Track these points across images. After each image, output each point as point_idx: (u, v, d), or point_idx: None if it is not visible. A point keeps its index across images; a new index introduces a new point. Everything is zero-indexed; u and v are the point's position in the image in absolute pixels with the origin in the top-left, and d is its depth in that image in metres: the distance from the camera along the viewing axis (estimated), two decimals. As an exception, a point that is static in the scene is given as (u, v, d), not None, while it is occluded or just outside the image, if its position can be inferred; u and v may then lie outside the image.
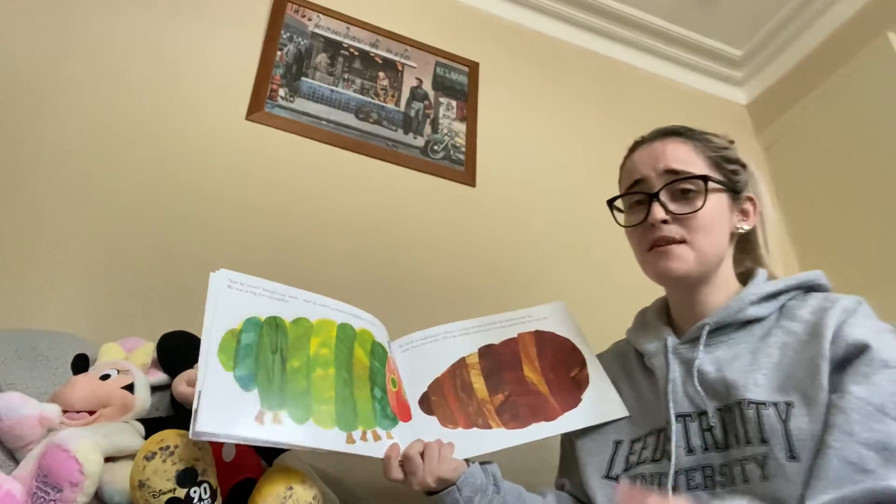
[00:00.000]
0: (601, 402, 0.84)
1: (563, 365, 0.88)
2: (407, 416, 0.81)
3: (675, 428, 0.73)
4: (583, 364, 0.88)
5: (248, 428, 0.66)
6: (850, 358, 0.67)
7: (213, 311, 0.72)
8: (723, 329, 0.78)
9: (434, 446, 0.74)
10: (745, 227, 0.83)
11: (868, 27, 1.92)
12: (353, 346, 0.80)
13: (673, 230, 0.80)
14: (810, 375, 0.67)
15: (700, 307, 0.81)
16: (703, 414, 0.73)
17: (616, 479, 0.78)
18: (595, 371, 0.88)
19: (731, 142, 0.87)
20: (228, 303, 0.74)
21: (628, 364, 0.89)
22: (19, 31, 1.41)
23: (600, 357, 0.94)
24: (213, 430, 0.63)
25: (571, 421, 0.82)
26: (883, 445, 0.60)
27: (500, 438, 0.80)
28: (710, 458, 0.70)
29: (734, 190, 0.83)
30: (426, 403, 0.84)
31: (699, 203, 0.79)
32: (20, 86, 1.36)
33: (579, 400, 0.84)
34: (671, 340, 0.81)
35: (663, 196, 0.80)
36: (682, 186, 0.80)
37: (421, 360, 0.89)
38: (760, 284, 0.79)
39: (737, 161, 0.84)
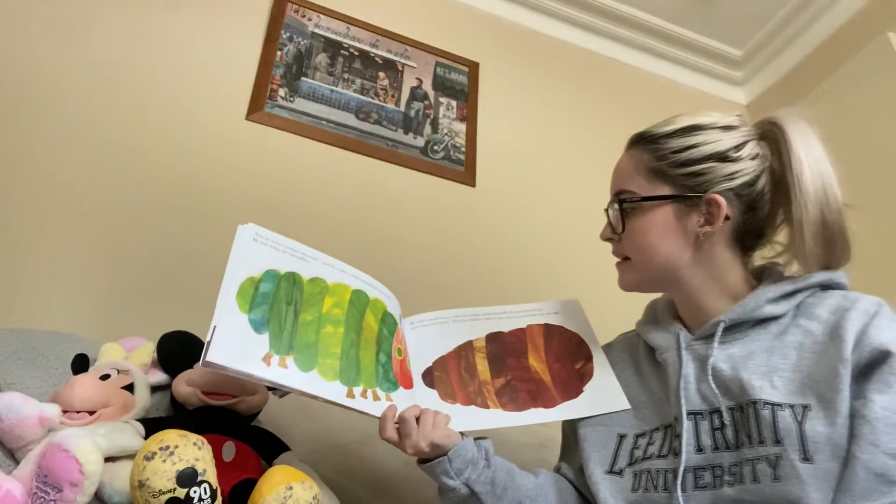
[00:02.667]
0: (602, 394, 0.85)
1: (568, 357, 0.90)
2: (409, 385, 0.83)
3: (687, 425, 0.73)
4: (588, 358, 0.89)
5: (255, 366, 0.69)
6: (873, 365, 0.66)
7: (236, 258, 0.75)
8: (738, 326, 0.76)
9: (430, 412, 0.75)
10: (709, 229, 0.78)
11: (868, 27, 1.92)
12: (365, 312, 0.83)
13: (617, 247, 0.85)
14: (829, 379, 0.66)
15: (698, 306, 0.81)
16: (714, 412, 0.72)
17: (620, 473, 0.77)
18: (600, 365, 0.88)
19: (726, 127, 0.80)
20: (252, 253, 0.77)
21: (637, 356, 0.88)
22: (21, 32, 1.41)
23: (608, 347, 0.94)
24: (222, 362, 0.66)
25: (569, 410, 0.84)
26: None
27: (496, 418, 0.82)
28: (720, 458, 0.70)
29: (688, 195, 0.78)
30: (429, 377, 0.86)
31: (626, 224, 0.81)
32: (20, 85, 1.36)
33: (580, 391, 0.85)
34: (684, 336, 0.80)
35: (613, 215, 0.83)
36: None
37: (429, 338, 0.91)
38: (778, 282, 0.77)
39: (703, 159, 0.78)
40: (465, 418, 0.81)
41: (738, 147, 0.79)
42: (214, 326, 0.68)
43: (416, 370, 0.87)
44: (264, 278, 0.76)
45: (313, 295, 0.80)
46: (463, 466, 0.74)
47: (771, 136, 0.81)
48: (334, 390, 0.73)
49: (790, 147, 0.77)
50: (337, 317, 0.80)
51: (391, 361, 0.82)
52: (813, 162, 0.76)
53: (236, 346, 0.68)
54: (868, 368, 0.66)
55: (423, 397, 0.83)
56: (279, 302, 0.76)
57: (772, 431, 0.66)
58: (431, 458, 0.75)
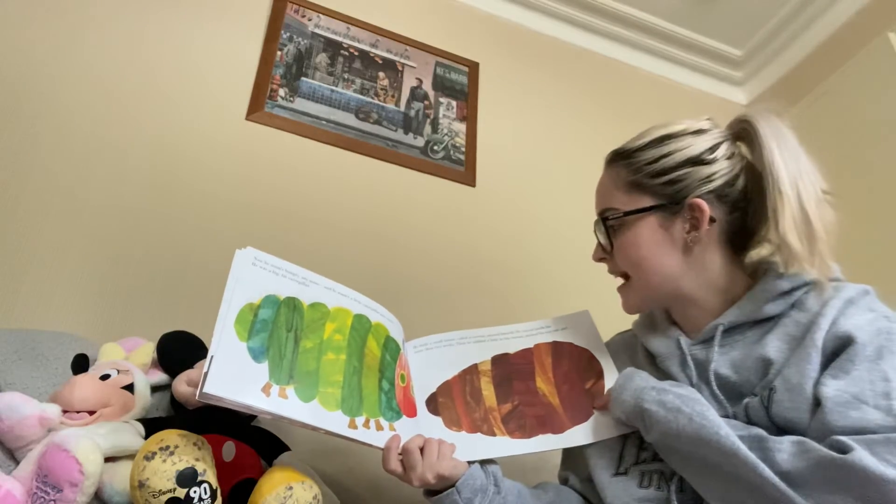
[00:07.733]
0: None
1: (578, 376, 0.86)
2: (412, 413, 0.81)
3: None
4: (599, 375, 0.86)
5: (254, 397, 0.67)
6: (837, 351, 0.67)
7: (234, 283, 0.73)
8: (737, 328, 0.76)
9: (434, 443, 0.73)
10: (696, 234, 0.77)
11: (868, 27, 1.92)
12: (367, 338, 0.81)
13: (612, 265, 0.84)
14: (800, 363, 0.67)
15: (696, 310, 0.80)
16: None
17: (626, 472, 0.77)
18: (612, 382, 0.84)
19: (697, 131, 0.80)
20: (250, 278, 0.75)
21: (636, 359, 0.87)
22: (19, 32, 1.41)
23: (605, 347, 0.92)
24: (219, 393, 0.64)
25: (578, 435, 0.81)
26: (859, 430, 0.60)
27: (502, 446, 0.79)
28: None
29: (670, 203, 0.78)
30: (433, 404, 0.84)
31: (614, 241, 0.81)
32: (20, 86, 1.36)
33: (590, 414, 0.82)
34: (685, 342, 0.79)
35: (600, 234, 0.83)
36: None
37: (433, 361, 0.89)
38: (774, 281, 0.75)
39: (678, 165, 0.78)
40: (470, 447, 0.78)
41: (713, 149, 0.79)
42: (212, 356, 0.66)
43: (420, 397, 0.85)
44: (263, 304, 0.74)
45: (314, 321, 0.77)
46: (472, 496, 0.73)
47: (744, 134, 0.81)
48: (336, 421, 0.71)
49: (760, 138, 0.76)
50: (338, 343, 0.78)
51: (394, 389, 0.80)
52: (784, 150, 0.75)
53: (234, 377, 0.66)
54: (833, 355, 0.67)
55: (428, 425, 0.81)
56: (279, 328, 0.73)
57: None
58: (439, 489, 0.74)
